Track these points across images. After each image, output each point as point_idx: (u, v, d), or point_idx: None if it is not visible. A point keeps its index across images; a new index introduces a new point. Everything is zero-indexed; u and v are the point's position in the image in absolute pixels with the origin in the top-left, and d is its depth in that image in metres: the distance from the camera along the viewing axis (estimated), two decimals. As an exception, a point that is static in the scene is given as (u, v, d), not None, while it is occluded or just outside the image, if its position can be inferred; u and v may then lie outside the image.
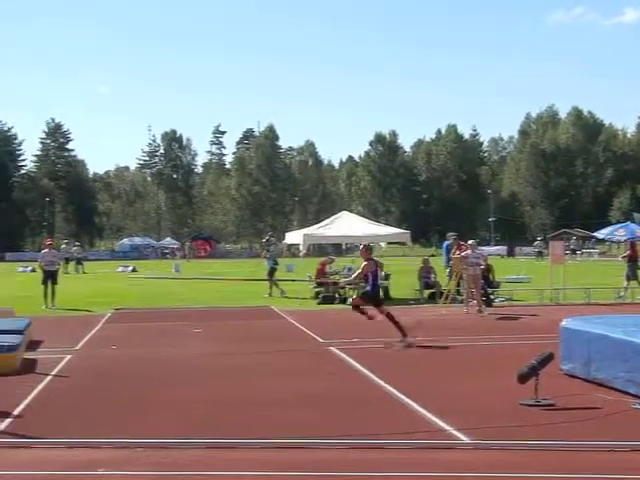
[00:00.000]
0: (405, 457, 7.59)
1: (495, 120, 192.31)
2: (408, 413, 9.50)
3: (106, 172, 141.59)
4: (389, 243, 38.40)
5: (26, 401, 10.29)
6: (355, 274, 17.33)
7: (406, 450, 7.83)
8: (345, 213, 32.35)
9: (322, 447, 7.91)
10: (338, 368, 12.95)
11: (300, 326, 18.89)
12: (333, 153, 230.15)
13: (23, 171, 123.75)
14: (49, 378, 12.11)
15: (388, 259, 54.68)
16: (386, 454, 7.67)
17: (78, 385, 11.74)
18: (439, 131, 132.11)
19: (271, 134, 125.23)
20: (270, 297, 27.21)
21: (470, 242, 22.92)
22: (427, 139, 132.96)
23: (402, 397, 10.27)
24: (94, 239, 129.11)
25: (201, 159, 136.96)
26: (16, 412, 9.64)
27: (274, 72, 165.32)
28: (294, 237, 30.66)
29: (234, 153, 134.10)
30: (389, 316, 15.53)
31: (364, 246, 16.98)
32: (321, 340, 16.34)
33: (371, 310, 15.91)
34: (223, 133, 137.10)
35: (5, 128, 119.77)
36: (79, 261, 52.11)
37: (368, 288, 16.28)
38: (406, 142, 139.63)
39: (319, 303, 25.14)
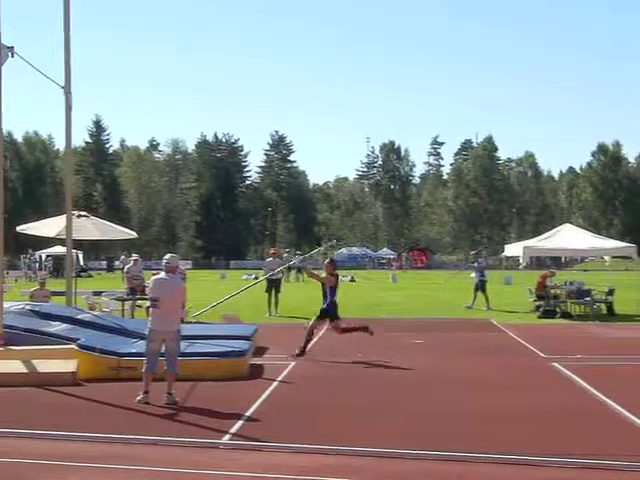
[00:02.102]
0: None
1: None
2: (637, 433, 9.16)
3: (325, 183, 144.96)
4: (612, 257, 36.98)
5: (255, 405, 10.73)
6: (322, 276, 16.49)
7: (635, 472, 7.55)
8: (567, 225, 31.46)
9: (543, 465, 7.75)
10: (561, 384, 12.65)
11: (521, 340, 18.55)
12: (553, 164, 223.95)
13: (248, 182, 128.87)
14: (275, 384, 12.55)
15: (610, 273, 52.83)
16: (614, 475, 7.43)
17: (303, 391, 12.12)
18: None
19: (489, 145, 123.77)
20: (470, 309, 27.04)
21: None
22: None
23: (630, 416, 9.89)
24: (313, 248, 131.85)
25: (419, 170, 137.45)
26: (247, 415, 10.08)
27: (492, 83, 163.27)
28: (513, 249, 30.14)
29: (452, 164, 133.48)
30: (345, 330, 15.97)
31: (330, 259, 16.94)
32: (543, 355, 15.99)
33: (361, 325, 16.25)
34: (441, 144, 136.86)
35: (232, 140, 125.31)
36: (299, 270, 53.53)
37: (325, 306, 16.08)
38: (630, 153, 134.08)
39: (540, 317, 24.61)
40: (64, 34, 17.73)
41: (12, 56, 14.17)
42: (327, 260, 17.03)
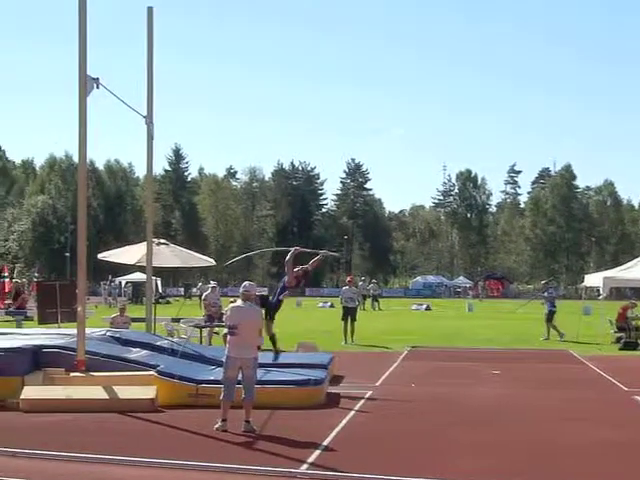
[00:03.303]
0: None
1: None
2: None
3: (401, 211, 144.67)
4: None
5: (332, 434, 10.72)
6: (293, 272, 15.29)
7: None
8: (649, 255, 30.79)
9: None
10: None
11: (601, 372, 18.18)
12: (633, 193, 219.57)
13: (324, 210, 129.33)
14: (352, 413, 12.51)
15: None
16: None
17: (380, 421, 12.06)
18: None
19: (568, 173, 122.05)
20: (546, 340, 26.62)
21: None
22: None
23: None
24: (388, 276, 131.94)
25: (495, 198, 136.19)
26: (324, 444, 10.06)
27: (570, 111, 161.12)
28: (593, 279, 29.61)
29: (529, 193, 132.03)
30: (272, 337, 15.10)
31: (307, 269, 15.50)
32: (625, 388, 15.63)
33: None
34: (518, 172, 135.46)
35: (308, 168, 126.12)
36: (375, 298, 53.44)
37: (272, 298, 15.30)
38: None
39: (621, 349, 24.12)
40: (147, 66, 18.11)
41: (97, 87, 14.50)
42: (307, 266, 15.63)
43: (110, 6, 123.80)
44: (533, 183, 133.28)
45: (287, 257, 15.32)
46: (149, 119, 17.95)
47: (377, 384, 15.91)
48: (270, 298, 15.55)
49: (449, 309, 52.85)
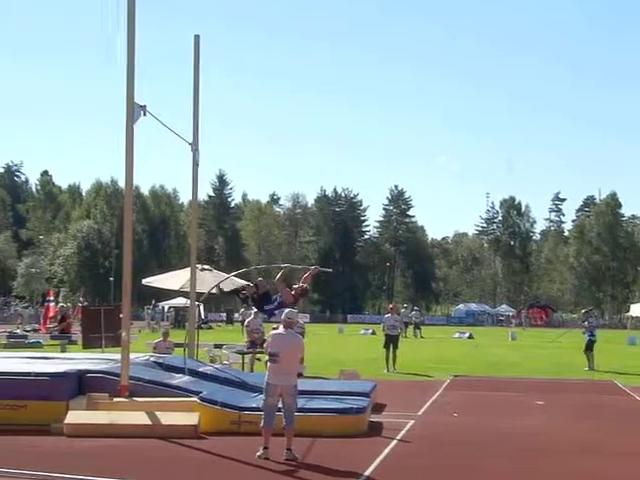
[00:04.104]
0: None
1: None
2: None
3: (444, 238, 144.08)
4: None
5: (374, 464, 10.66)
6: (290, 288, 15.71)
7: None
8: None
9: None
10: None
11: (648, 405, 17.93)
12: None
13: (366, 236, 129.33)
14: (394, 442, 12.43)
15: None
16: None
17: (422, 451, 11.98)
18: None
19: (613, 202, 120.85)
20: (591, 370, 26.26)
21: None
22: None
23: None
24: (430, 304, 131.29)
25: (539, 226, 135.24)
26: (366, 474, 10.01)
27: (614, 140, 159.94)
28: (638, 309, 29.31)
29: (573, 221, 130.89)
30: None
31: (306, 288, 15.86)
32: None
33: None
34: (563, 200, 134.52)
35: (351, 195, 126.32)
36: (417, 325, 53.20)
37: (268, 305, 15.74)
38: None
39: (668, 380, 23.73)
40: (193, 93, 18.29)
41: (144, 114, 14.67)
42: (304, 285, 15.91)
43: (157, 33, 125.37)
44: (578, 211, 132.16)
45: (277, 276, 15.74)
46: (194, 146, 18.10)
47: (419, 413, 15.80)
48: (270, 302, 15.84)
49: (492, 337, 52.41)
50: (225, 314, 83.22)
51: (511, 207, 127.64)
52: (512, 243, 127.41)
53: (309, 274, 16.40)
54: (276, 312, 15.47)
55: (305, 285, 15.84)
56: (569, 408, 17.21)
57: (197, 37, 18.41)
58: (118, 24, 14.98)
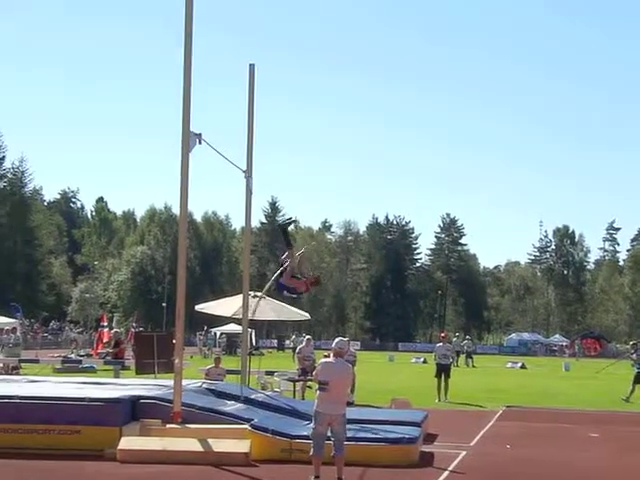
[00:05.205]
0: None
1: None
2: None
3: (496, 266, 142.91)
4: None
5: (426, 495, 10.59)
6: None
7: None
8: None
9: None
10: None
11: None
12: None
13: (418, 264, 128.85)
14: (446, 473, 12.34)
15: None
16: None
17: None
18: None
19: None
20: (627, 402, 25.76)
21: None
22: None
23: None
24: (482, 333, 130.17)
25: (593, 255, 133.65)
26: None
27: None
28: (695, 341, 28.74)
29: (628, 250, 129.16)
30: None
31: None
32: None
33: None
34: (617, 229, 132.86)
35: (403, 222, 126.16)
36: (469, 355, 52.79)
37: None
38: None
39: None
40: (247, 122, 18.46)
41: (199, 143, 14.85)
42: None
43: (212, 61, 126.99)
44: (633, 240, 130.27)
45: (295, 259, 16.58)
46: (248, 173, 18.25)
47: (471, 444, 15.64)
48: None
49: (545, 368, 51.78)
50: (276, 340, 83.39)
51: (564, 236, 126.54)
52: (565, 272, 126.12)
53: (300, 255, 17.02)
54: (285, 292, 16.32)
55: (318, 275, 16.31)
56: (624, 441, 16.89)
57: (252, 66, 18.57)
58: (175, 54, 15.21)
